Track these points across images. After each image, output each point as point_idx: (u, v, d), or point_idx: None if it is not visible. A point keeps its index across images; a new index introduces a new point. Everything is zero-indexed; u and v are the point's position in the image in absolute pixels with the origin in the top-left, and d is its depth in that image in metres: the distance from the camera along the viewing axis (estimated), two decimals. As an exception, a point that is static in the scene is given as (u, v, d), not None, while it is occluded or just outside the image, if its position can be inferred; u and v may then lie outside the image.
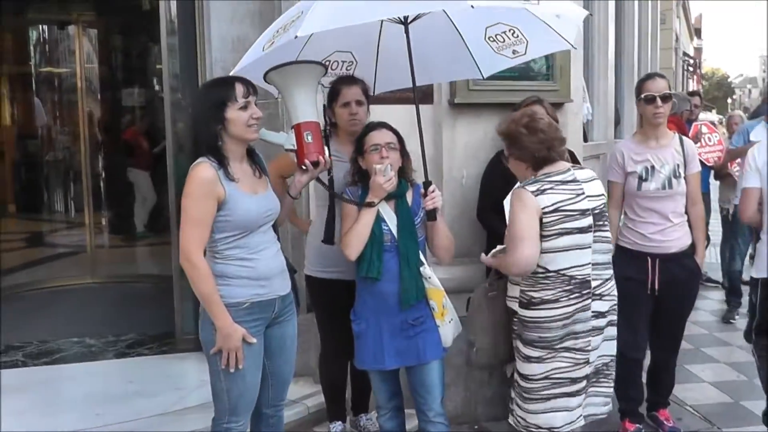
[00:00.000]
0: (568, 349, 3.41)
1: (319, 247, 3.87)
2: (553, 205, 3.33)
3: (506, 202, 3.75)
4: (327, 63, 3.84)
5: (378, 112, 3.98)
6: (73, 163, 10.14)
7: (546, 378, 3.43)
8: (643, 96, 4.33)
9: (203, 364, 3.36)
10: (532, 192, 3.34)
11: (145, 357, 5.78)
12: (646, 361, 4.65)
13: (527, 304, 3.42)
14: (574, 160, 4.59)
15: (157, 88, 9.74)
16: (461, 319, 3.70)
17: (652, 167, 4.29)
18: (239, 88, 3.14)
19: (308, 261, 4.14)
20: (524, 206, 3.33)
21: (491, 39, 3.80)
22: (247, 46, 3.64)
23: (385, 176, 3.48)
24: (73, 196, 10.35)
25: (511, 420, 3.63)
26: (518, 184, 3.49)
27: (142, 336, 6.20)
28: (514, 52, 3.85)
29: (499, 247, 3.61)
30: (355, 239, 3.52)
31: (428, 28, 3.71)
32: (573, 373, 3.44)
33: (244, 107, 3.14)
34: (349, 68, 4.02)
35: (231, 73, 3.40)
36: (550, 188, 3.36)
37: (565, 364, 3.42)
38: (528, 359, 3.45)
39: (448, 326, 3.63)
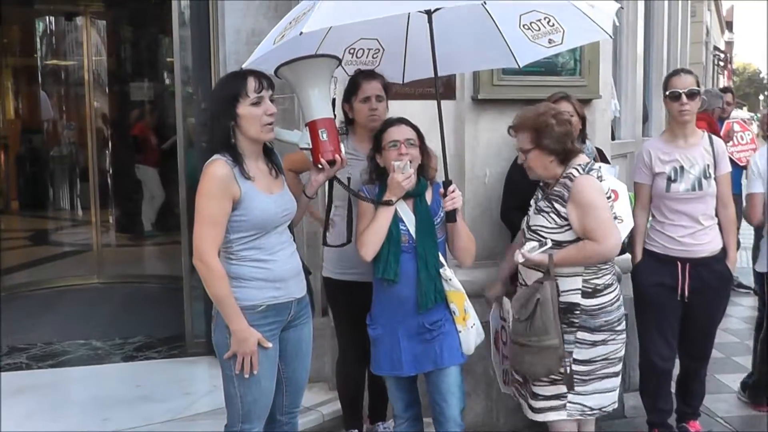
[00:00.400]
0: (621, 331, 3.66)
1: (341, 250, 3.86)
2: (607, 192, 3.62)
3: (578, 188, 3.56)
4: (352, 50, 3.86)
5: (396, 108, 3.98)
6: (79, 159, 10.21)
7: (605, 359, 3.63)
8: (668, 93, 4.31)
9: (214, 369, 3.37)
10: (597, 178, 3.58)
11: (153, 360, 5.79)
12: (675, 371, 4.62)
13: (592, 292, 3.59)
14: (603, 159, 4.59)
15: (167, 81, 9.77)
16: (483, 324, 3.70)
17: (681, 167, 4.27)
18: (251, 83, 3.14)
19: (326, 262, 4.14)
20: (600, 192, 3.56)
21: (526, 27, 3.77)
22: (262, 39, 3.64)
23: (403, 174, 3.47)
24: (79, 193, 10.40)
25: (557, 415, 3.65)
26: (574, 172, 3.57)
27: (150, 339, 6.22)
28: (550, 41, 3.81)
29: (530, 245, 3.58)
30: (372, 239, 3.52)
31: (459, 15, 3.69)
32: (620, 353, 3.69)
33: (257, 103, 3.13)
34: (375, 56, 4.01)
35: (242, 67, 3.39)
36: (601, 176, 3.62)
37: (618, 345, 3.66)
38: (593, 344, 3.60)
39: (470, 332, 3.61)
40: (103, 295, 7.90)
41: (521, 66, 4.02)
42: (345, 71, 3.99)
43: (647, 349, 4.47)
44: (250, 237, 3.15)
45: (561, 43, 3.85)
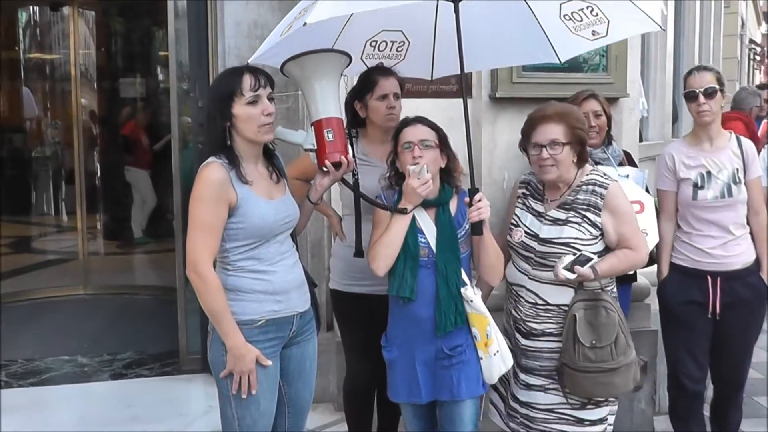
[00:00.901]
0: None
1: (348, 257, 3.83)
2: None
3: (613, 195, 3.66)
4: (374, 43, 3.85)
5: (408, 107, 3.96)
6: (64, 160, 10.26)
7: None
8: (684, 93, 4.28)
9: (211, 388, 3.37)
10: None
11: (144, 378, 5.80)
12: (708, 392, 4.59)
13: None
14: (630, 162, 4.58)
15: (161, 77, 9.82)
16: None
17: (708, 173, 4.21)
18: (246, 80, 3.12)
19: (335, 273, 4.12)
20: (629, 200, 3.74)
21: (567, 17, 3.70)
22: (265, 32, 3.66)
23: (419, 179, 3.39)
24: (64, 197, 10.47)
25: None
26: (599, 178, 3.68)
27: (141, 355, 6.23)
28: (593, 32, 3.75)
29: (567, 258, 3.57)
30: (383, 251, 3.45)
31: (492, 4, 3.66)
32: None
33: (253, 102, 3.11)
34: (400, 49, 4.00)
35: (249, 61, 3.39)
36: None
37: None
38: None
39: (492, 359, 3.51)
40: (89, 308, 7.89)
41: (562, 62, 3.97)
42: (366, 65, 3.97)
43: (676, 371, 4.44)
44: (248, 246, 3.14)
45: (606, 35, 3.78)
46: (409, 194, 3.43)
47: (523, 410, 3.72)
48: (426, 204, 3.51)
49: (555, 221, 3.65)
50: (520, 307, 3.70)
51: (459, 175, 3.67)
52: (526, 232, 3.71)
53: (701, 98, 4.18)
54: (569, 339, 3.58)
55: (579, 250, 3.58)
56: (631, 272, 4.40)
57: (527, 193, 3.82)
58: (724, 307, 4.24)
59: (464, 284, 3.48)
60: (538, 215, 3.71)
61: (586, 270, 3.53)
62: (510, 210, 3.88)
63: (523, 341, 3.70)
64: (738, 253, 4.24)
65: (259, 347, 3.14)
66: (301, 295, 3.33)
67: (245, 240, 3.13)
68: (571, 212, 3.63)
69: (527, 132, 3.72)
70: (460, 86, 3.60)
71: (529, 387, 3.70)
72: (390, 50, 3.98)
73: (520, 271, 3.73)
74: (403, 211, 3.46)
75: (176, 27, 5.69)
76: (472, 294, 3.47)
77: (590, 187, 3.62)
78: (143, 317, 7.30)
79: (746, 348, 4.45)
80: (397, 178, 3.59)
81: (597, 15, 3.67)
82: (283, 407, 3.38)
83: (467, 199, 3.46)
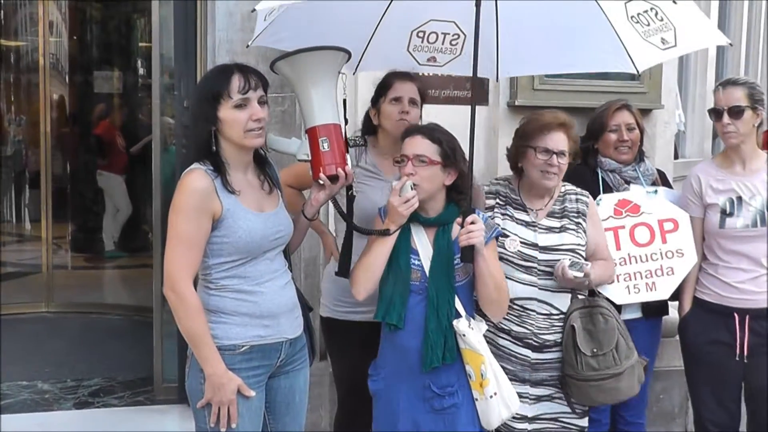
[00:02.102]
0: None
1: (340, 280, 3.77)
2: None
3: (593, 204, 4.08)
4: (421, 34, 3.89)
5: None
6: (28, 162, 10.21)
7: None
8: (708, 109, 4.29)
9: (187, 421, 3.37)
10: None
11: (113, 408, 5.79)
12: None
13: None
14: (664, 182, 4.62)
15: (141, 72, 9.81)
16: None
17: (739, 198, 4.20)
18: (235, 81, 3.12)
19: (325, 298, 4.16)
20: None
21: (634, 20, 3.68)
22: (260, 23, 3.67)
23: (401, 197, 3.39)
24: (27, 203, 10.41)
25: None
26: (574, 188, 4.03)
27: (110, 382, 6.23)
28: (663, 40, 3.71)
29: (565, 260, 3.76)
30: (363, 274, 3.48)
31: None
32: None
33: (241, 105, 3.12)
34: (454, 42, 4.03)
35: (249, 44, 3.40)
36: None
37: None
38: None
39: (489, 402, 3.51)
40: (53, 327, 7.89)
41: (639, 73, 3.97)
42: (415, 59, 3.99)
43: (702, 416, 4.43)
44: (232, 263, 3.15)
45: (674, 45, 3.74)
46: (391, 213, 3.44)
47: (532, 426, 3.86)
48: (426, 223, 3.53)
49: (550, 229, 3.86)
50: (531, 321, 3.83)
51: (477, 196, 3.69)
52: (521, 242, 3.83)
53: (725, 117, 4.16)
54: (570, 350, 3.76)
55: (582, 256, 3.80)
56: (662, 304, 4.46)
57: (501, 203, 3.92)
58: (753, 349, 4.21)
59: (458, 316, 3.47)
60: (528, 225, 3.87)
61: (588, 269, 3.72)
62: None
63: (534, 355, 3.83)
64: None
65: (242, 376, 3.15)
66: (292, 320, 3.33)
67: (229, 256, 3.14)
68: (565, 219, 3.88)
69: (534, 133, 3.84)
70: (473, 92, 3.58)
71: (538, 399, 3.87)
72: (442, 43, 4.00)
73: (523, 283, 3.82)
74: (386, 233, 3.46)
75: (161, 15, 5.69)
76: (465, 327, 3.46)
77: (572, 197, 3.93)
78: (114, 340, 7.26)
79: None
80: None
81: (662, 20, 3.65)
82: (266, 443, 3.38)
83: (459, 220, 3.45)
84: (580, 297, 3.88)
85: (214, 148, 3.14)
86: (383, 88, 4.00)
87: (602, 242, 4.03)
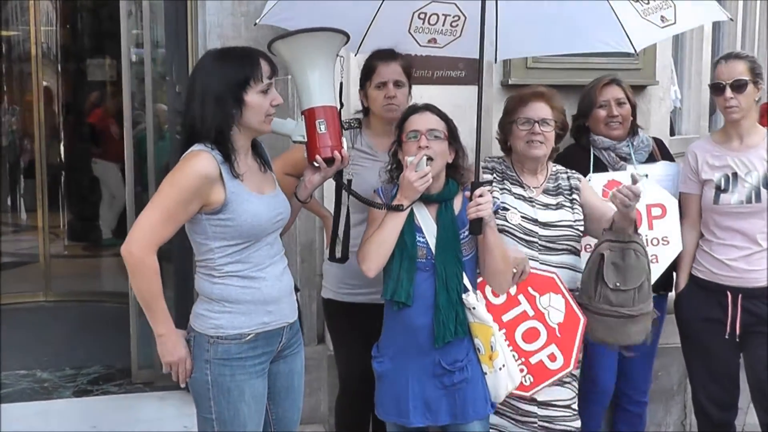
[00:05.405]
0: None
1: (348, 263, 3.80)
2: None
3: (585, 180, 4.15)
4: (422, 15, 3.90)
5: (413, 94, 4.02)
6: (23, 151, 10.21)
7: None
8: (709, 84, 4.28)
9: (187, 407, 3.36)
10: None
11: (112, 396, 5.80)
12: (752, 418, 4.57)
13: None
14: (663, 152, 4.63)
15: (134, 59, 9.78)
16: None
17: (734, 174, 4.19)
18: (265, 66, 3.15)
19: (327, 281, 4.16)
20: None
21: None
22: (251, 9, 3.68)
23: (417, 172, 3.41)
24: (23, 192, 10.41)
25: None
26: (563, 168, 4.11)
27: (108, 369, 6.26)
28: (662, 18, 3.75)
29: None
30: (374, 251, 3.48)
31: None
32: None
33: (266, 91, 3.15)
34: (455, 24, 4.04)
35: (258, 21, 3.38)
36: None
37: None
38: None
39: (498, 375, 3.56)
40: (51, 316, 7.91)
41: (637, 52, 4.01)
42: (416, 40, 4.01)
43: (699, 396, 4.46)
44: (236, 247, 3.14)
45: (674, 23, 3.78)
46: (405, 188, 3.46)
47: (543, 411, 3.89)
48: (428, 200, 3.55)
49: (547, 206, 3.93)
50: None
51: (464, 169, 3.69)
52: (522, 216, 3.89)
53: (728, 92, 4.14)
54: (591, 278, 3.79)
55: (580, 232, 3.91)
56: (665, 280, 4.48)
57: (498, 178, 3.98)
58: (746, 329, 4.21)
59: (466, 290, 3.51)
60: (526, 200, 3.93)
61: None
62: None
63: None
64: (763, 268, 4.18)
65: (248, 364, 3.16)
66: (291, 304, 3.35)
67: (233, 240, 3.12)
68: (560, 197, 3.95)
69: (515, 107, 3.96)
70: (478, 74, 3.64)
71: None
72: (443, 25, 4.02)
73: None
74: (399, 208, 3.48)
75: (151, 2, 5.70)
76: (474, 301, 3.51)
77: (564, 175, 4.02)
78: (112, 327, 7.19)
79: None
80: (398, 170, 3.61)
81: None
82: (268, 429, 3.38)
83: (468, 193, 3.49)
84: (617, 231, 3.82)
85: (231, 131, 3.13)
86: (368, 71, 4.01)
87: (606, 207, 3.95)
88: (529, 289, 3.85)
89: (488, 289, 3.79)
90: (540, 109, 3.89)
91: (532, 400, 3.90)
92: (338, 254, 3.75)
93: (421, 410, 3.55)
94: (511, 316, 3.88)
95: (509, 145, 4.04)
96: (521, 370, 3.80)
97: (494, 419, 3.80)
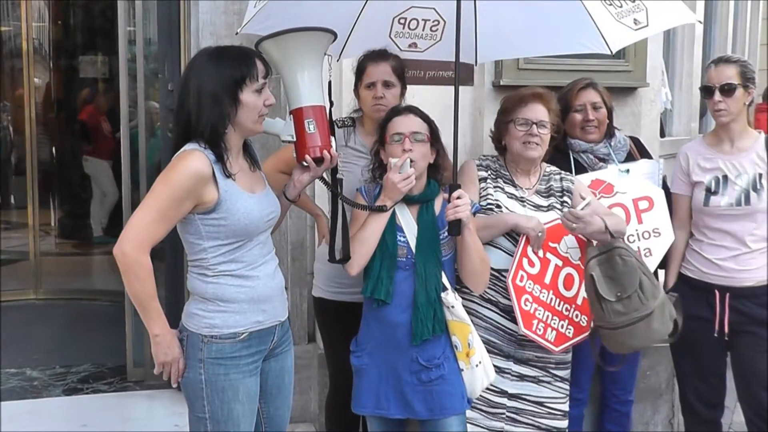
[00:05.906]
0: None
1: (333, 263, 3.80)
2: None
3: (579, 180, 4.19)
4: (402, 20, 3.93)
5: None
6: (14, 148, 10.17)
7: None
8: (699, 87, 4.29)
9: (178, 405, 3.36)
10: None
11: (102, 394, 5.80)
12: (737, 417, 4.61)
13: None
14: (641, 151, 4.65)
15: (127, 56, 9.77)
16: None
17: (725, 177, 4.22)
18: (260, 66, 3.17)
19: (319, 278, 4.18)
20: None
21: (608, 2, 3.79)
22: (243, 7, 3.69)
23: (401, 173, 3.47)
24: (12, 190, 10.38)
25: None
26: (556, 169, 4.12)
27: (99, 368, 6.26)
28: (635, 21, 3.81)
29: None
30: (357, 248, 3.54)
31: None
32: None
33: (260, 90, 3.17)
34: (435, 29, 4.06)
35: (237, 32, 3.40)
36: None
37: None
38: None
39: (475, 371, 3.62)
40: (41, 314, 7.90)
41: (613, 53, 4.02)
42: (396, 45, 4.04)
43: (687, 394, 4.50)
44: (229, 245, 3.15)
45: (646, 25, 3.83)
46: (389, 189, 3.51)
47: (512, 403, 3.94)
48: (409, 200, 3.60)
49: (538, 207, 3.94)
50: None
51: (446, 171, 3.74)
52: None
53: (717, 95, 4.17)
54: (593, 300, 3.78)
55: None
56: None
57: (492, 176, 4.00)
58: (734, 328, 4.24)
59: (445, 288, 3.57)
60: (518, 199, 3.95)
61: (589, 200, 3.91)
62: (470, 190, 3.93)
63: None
64: (752, 268, 4.22)
65: (242, 363, 3.18)
66: (283, 302, 3.38)
67: (227, 239, 3.14)
68: (551, 198, 3.97)
69: (513, 107, 3.96)
70: (455, 76, 3.66)
71: (522, 378, 3.94)
72: (423, 29, 4.05)
73: (509, 254, 3.88)
74: (382, 209, 3.53)
75: (144, 1, 5.70)
76: (453, 299, 3.57)
77: (556, 176, 4.03)
78: (102, 326, 7.22)
79: (761, 377, 4.29)
80: (380, 170, 3.68)
81: (635, 1, 3.75)
82: (259, 428, 3.40)
83: (446, 195, 3.52)
84: (594, 245, 3.87)
85: (225, 131, 3.15)
86: (359, 72, 4.04)
87: (600, 205, 4.04)
88: (549, 243, 3.90)
89: (525, 261, 3.86)
90: (538, 111, 3.92)
91: (502, 392, 3.94)
92: (338, 255, 3.75)
93: (400, 403, 3.61)
94: (549, 275, 3.93)
95: (504, 144, 4.05)
96: (572, 319, 3.95)
97: (468, 413, 3.81)
